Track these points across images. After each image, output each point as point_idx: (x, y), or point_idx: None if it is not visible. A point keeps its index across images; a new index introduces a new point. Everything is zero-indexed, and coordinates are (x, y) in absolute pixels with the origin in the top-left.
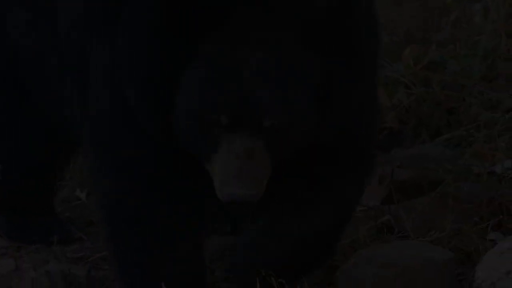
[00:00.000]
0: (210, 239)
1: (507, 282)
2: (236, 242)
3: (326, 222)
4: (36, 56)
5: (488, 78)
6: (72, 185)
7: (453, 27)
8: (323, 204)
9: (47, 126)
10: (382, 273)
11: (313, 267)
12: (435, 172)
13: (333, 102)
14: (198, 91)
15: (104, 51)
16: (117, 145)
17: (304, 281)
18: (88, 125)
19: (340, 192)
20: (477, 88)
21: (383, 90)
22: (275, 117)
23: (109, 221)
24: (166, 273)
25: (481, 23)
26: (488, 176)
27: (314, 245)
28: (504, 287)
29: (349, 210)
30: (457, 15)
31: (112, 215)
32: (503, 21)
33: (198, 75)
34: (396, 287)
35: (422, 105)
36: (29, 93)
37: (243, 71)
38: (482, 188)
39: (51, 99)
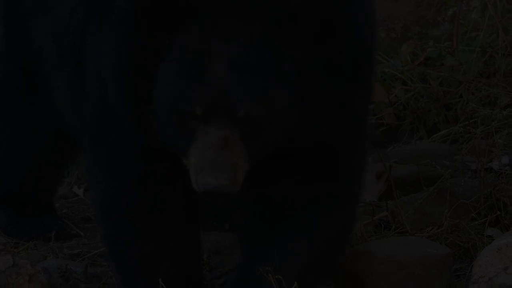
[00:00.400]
0: (208, 235)
1: (504, 278)
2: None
3: (311, 253)
4: (51, 58)
5: (486, 74)
6: (70, 182)
7: (450, 23)
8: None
9: (50, 125)
10: (380, 269)
11: None
12: (433, 168)
13: (312, 99)
14: (172, 84)
15: (96, 48)
16: (108, 141)
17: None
18: (83, 121)
19: (328, 217)
20: (475, 84)
21: (381, 86)
22: (249, 107)
23: (105, 217)
24: (163, 269)
25: (478, 19)
26: (485, 172)
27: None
28: (501, 283)
29: (341, 234)
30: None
31: (107, 211)
32: (500, 17)
33: (173, 67)
34: (393, 282)
35: (419, 101)
36: (39, 94)
37: (217, 62)
38: (479, 184)
39: (54, 97)
